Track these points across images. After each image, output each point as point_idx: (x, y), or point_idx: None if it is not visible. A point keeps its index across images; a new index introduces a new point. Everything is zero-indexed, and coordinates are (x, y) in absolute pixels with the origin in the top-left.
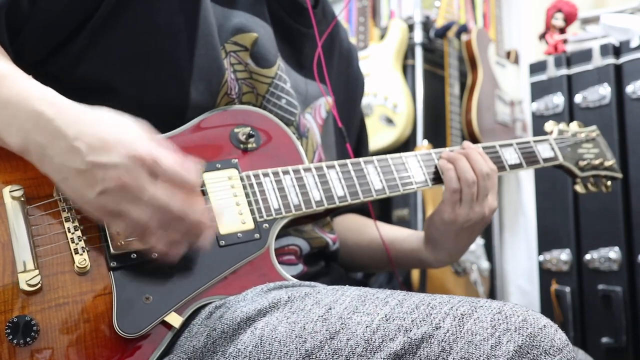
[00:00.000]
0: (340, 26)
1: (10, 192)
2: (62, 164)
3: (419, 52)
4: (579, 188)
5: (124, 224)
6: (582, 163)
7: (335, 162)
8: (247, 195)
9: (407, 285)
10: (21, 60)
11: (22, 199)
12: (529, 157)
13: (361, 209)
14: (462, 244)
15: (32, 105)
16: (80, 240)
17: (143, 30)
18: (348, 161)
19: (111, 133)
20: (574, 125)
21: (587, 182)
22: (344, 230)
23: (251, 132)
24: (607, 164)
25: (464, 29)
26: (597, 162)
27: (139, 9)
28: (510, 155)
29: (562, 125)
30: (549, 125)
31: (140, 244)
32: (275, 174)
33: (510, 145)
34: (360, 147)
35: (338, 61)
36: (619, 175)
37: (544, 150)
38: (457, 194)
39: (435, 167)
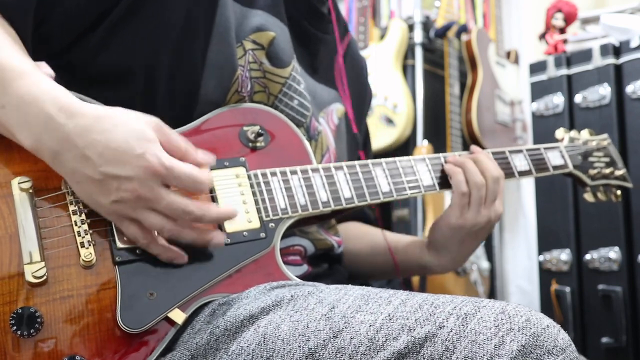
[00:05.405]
0: (352, 37)
1: (19, 183)
2: (75, 169)
3: (419, 52)
4: (588, 197)
5: (136, 229)
6: (592, 171)
7: (343, 164)
8: (254, 194)
9: (407, 286)
10: (39, 51)
11: (31, 190)
12: (539, 164)
13: (365, 217)
14: (466, 249)
15: (43, 107)
16: (86, 234)
17: (160, 23)
18: (356, 163)
19: (122, 143)
20: (585, 133)
21: (596, 190)
22: (346, 238)
23: (260, 130)
24: (618, 173)
25: (464, 29)
26: (607, 171)
27: (157, 3)
28: (520, 162)
29: (573, 133)
30: (560, 133)
31: (145, 249)
32: (283, 173)
33: (520, 151)
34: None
35: (350, 70)
36: (630, 185)
37: (554, 158)
38: (466, 198)
39: (443, 171)
